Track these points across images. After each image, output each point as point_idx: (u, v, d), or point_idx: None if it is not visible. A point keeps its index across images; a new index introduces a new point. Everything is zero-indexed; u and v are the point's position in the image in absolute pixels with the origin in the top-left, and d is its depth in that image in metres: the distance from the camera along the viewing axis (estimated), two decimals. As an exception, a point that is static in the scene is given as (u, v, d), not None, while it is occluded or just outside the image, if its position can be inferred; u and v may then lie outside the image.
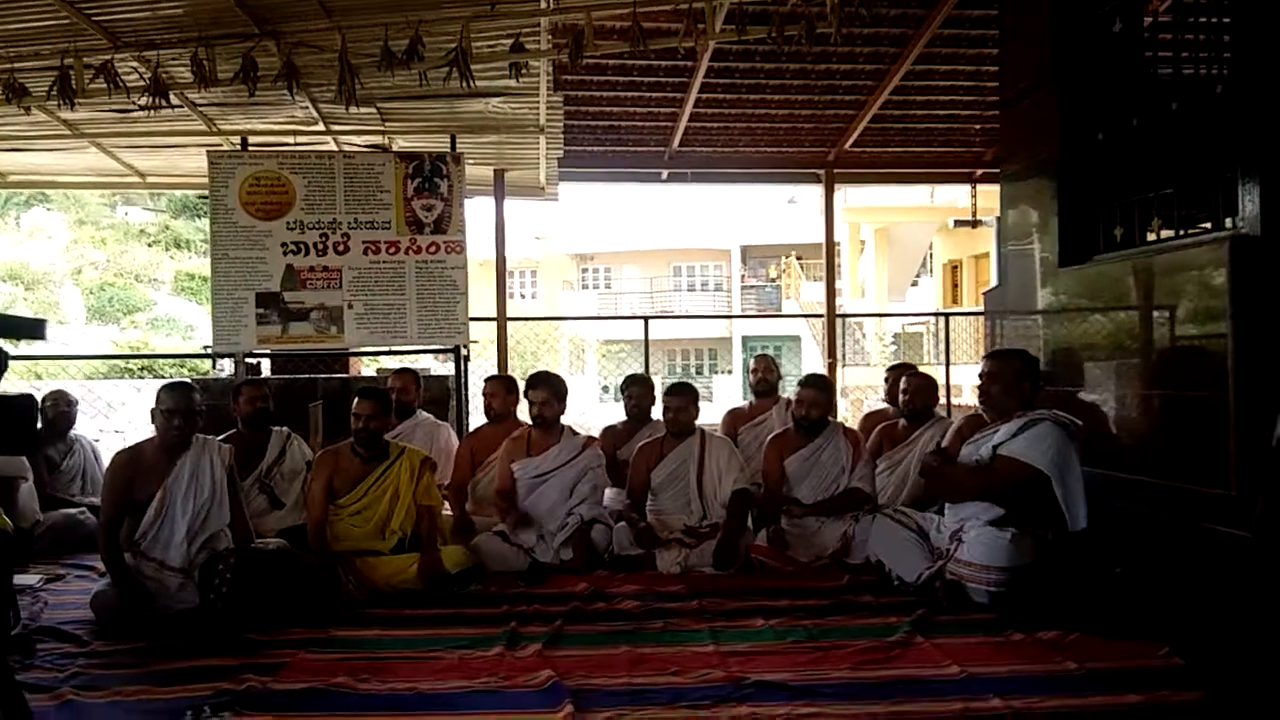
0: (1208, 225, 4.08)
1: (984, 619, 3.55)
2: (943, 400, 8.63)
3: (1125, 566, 3.82)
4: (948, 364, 9.10)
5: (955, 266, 21.86)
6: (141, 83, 4.79)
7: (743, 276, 28.99)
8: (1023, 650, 3.22)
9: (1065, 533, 3.75)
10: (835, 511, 4.69)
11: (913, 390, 5.12)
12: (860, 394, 14.16)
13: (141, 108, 4.94)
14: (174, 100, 5.09)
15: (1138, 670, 2.98)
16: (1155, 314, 3.99)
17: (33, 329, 2.10)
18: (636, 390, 5.55)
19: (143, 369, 15.80)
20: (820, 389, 4.92)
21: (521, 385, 5.14)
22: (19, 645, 3.29)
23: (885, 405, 5.84)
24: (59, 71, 4.62)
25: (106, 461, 4.89)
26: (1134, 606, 3.55)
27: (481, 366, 9.37)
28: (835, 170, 8.24)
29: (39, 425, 4.39)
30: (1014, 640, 3.31)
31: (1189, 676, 2.92)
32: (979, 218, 9.36)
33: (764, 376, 5.99)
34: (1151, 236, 4.18)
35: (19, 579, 4.24)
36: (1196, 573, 3.56)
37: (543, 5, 4.62)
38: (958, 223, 12.39)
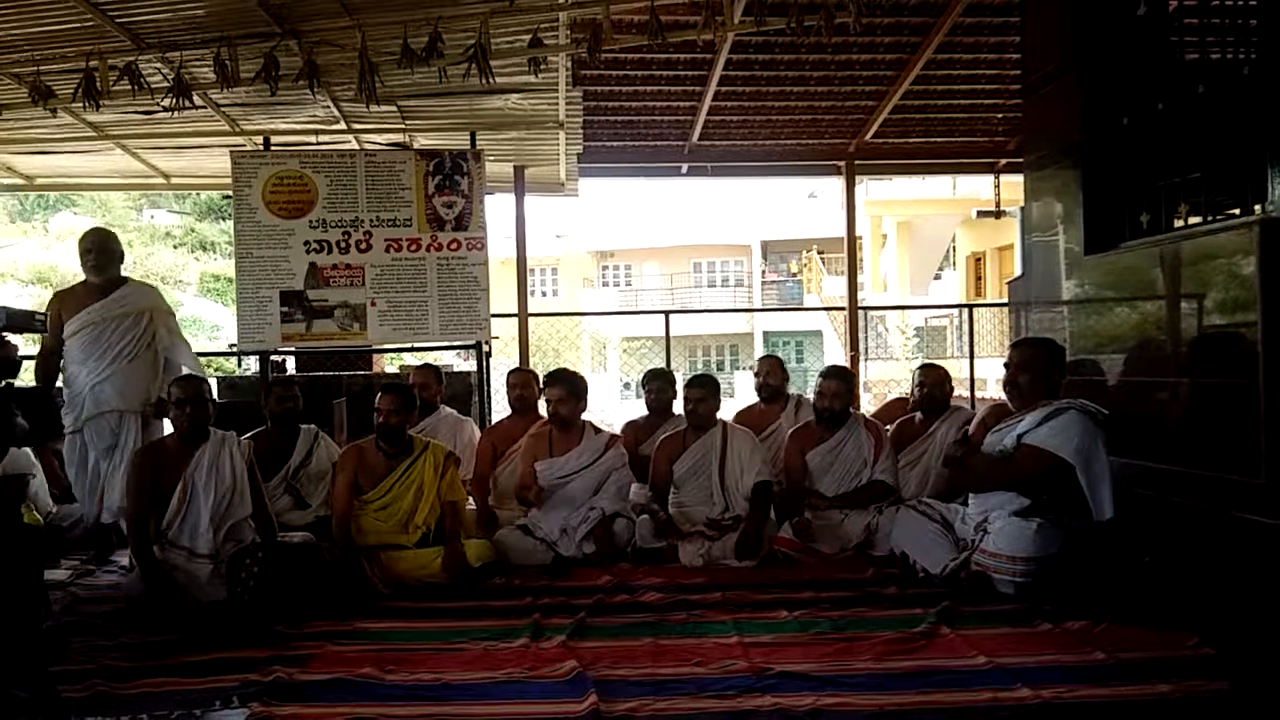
0: (1236, 211, 4.02)
1: (1010, 610, 3.52)
2: (966, 393, 8.58)
3: (1154, 556, 3.78)
4: (971, 357, 9.03)
5: (978, 259, 21.69)
6: (165, 83, 4.84)
7: (763, 272, 28.90)
8: (1050, 640, 3.19)
9: (1092, 522, 3.72)
10: (858, 504, 4.66)
11: (930, 383, 5.08)
12: (883, 388, 14.08)
13: (165, 108, 4.99)
14: (197, 101, 5.14)
15: (1167, 660, 2.94)
16: (1183, 301, 3.94)
17: (29, 323, 2.14)
18: (657, 385, 5.53)
19: (169, 369, 15.96)
20: (841, 379, 4.89)
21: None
22: (50, 638, 3.33)
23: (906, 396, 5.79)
24: (84, 73, 4.68)
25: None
26: (1163, 596, 3.51)
27: (503, 363, 9.40)
28: (856, 162, 8.21)
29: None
30: (1041, 630, 3.28)
31: (1219, 666, 2.88)
32: (1002, 208, 9.27)
33: (766, 380, 5.57)
34: (1179, 223, 4.13)
35: (50, 574, 4.30)
36: (1226, 562, 3.51)
37: (561, 0, 4.63)
38: (981, 213, 12.28)
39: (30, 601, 2.71)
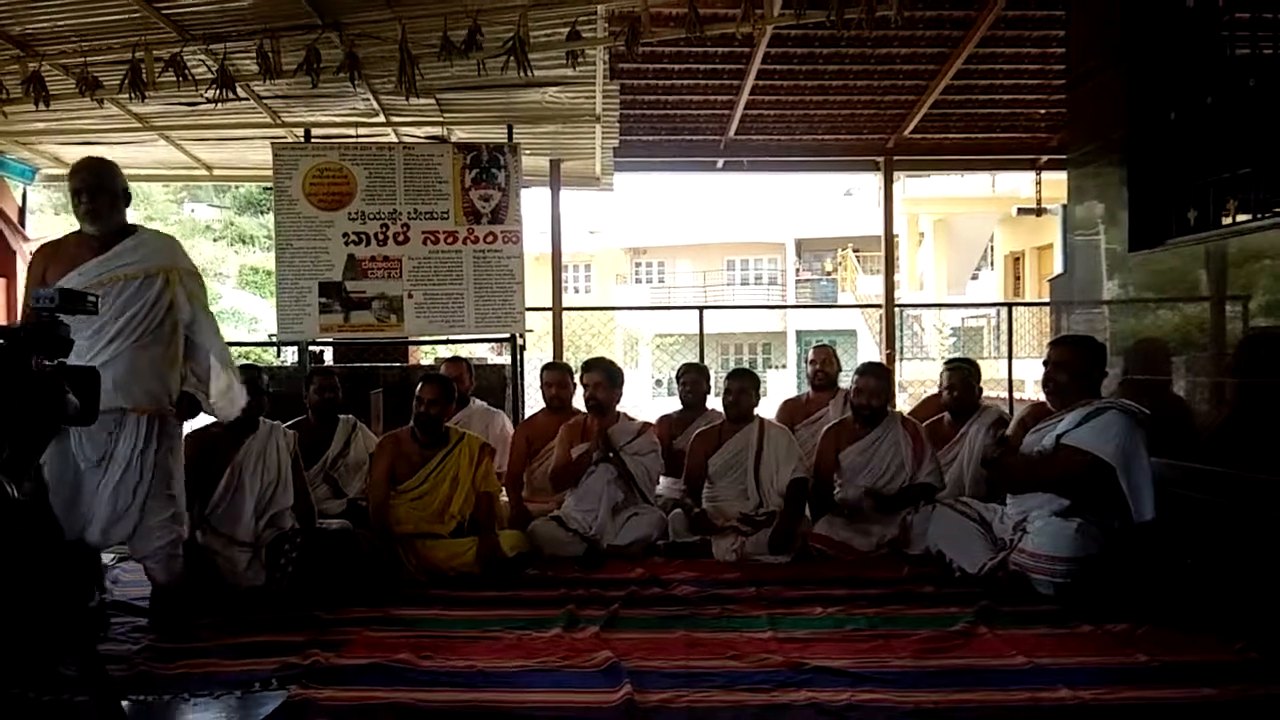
0: (1287, 208, 3.93)
1: (1050, 610, 3.47)
2: (1005, 394, 8.47)
3: (1198, 558, 3.70)
4: (1010, 357, 8.92)
5: (1017, 258, 21.41)
6: (209, 75, 4.90)
7: (797, 270, 28.73)
8: (1091, 642, 3.14)
9: (1132, 523, 3.66)
10: (904, 506, 4.58)
11: (957, 385, 5.01)
12: (919, 388, 13.94)
13: (209, 100, 5.06)
14: (240, 93, 5.19)
15: (1212, 664, 2.89)
16: (1230, 299, 3.86)
17: (81, 304, 2.16)
18: (691, 377, 5.53)
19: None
20: (879, 377, 4.84)
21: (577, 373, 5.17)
22: (95, 619, 3.39)
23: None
24: (130, 64, 4.75)
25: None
26: (1207, 600, 3.44)
27: (536, 357, 9.42)
28: (894, 158, 8.12)
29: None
30: (1081, 632, 3.23)
31: (1266, 672, 2.82)
32: (1044, 206, 9.12)
33: (823, 369, 5.83)
34: (1227, 220, 4.04)
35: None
36: (1273, 565, 3.44)
37: (600, -7, 4.63)
38: (1021, 211, 12.14)
39: (78, 581, 2.77)
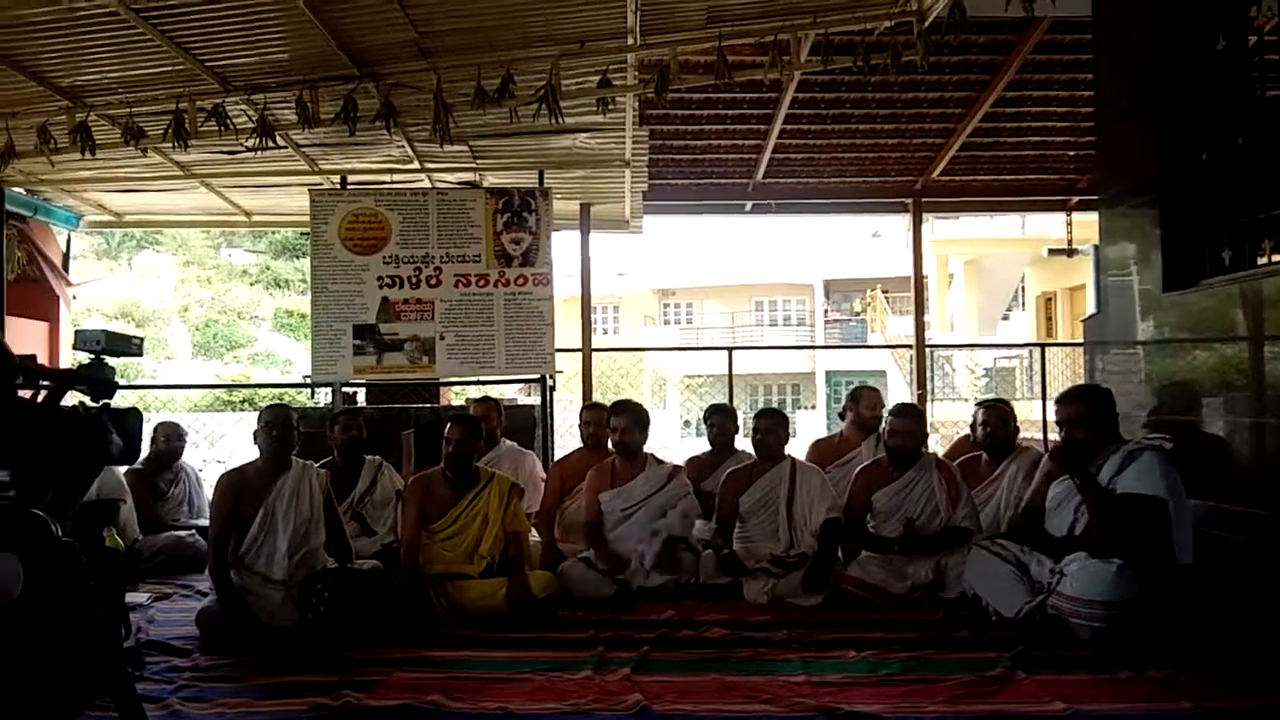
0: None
1: (1089, 656, 3.40)
2: (1038, 435, 8.36)
3: (1240, 603, 3.62)
4: (1044, 398, 8.82)
5: (1049, 299, 21.23)
6: (249, 124, 5.04)
7: (826, 311, 28.68)
8: (1132, 688, 3.07)
9: (1171, 566, 3.59)
10: (939, 549, 4.51)
11: (993, 423, 4.95)
12: (951, 429, 13.80)
13: (249, 148, 5.19)
14: (279, 141, 5.32)
15: (1258, 710, 2.83)
16: (1268, 338, 3.81)
17: (126, 346, 2.18)
18: (719, 419, 5.52)
19: (243, 401, 16.49)
20: (913, 418, 4.79)
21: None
22: (130, 658, 3.42)
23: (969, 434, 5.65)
24: (174, 114, 4.89)
25: (208, 487, 5.08)
26: (1250, 645, 3.36)
27: (564, 398, 9.47)
28: (923, 200, 8.14)
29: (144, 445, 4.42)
30: (1122, 678, 3.16)
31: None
32: (1075, 246, 9.07)
33: (875, 412, 5.51)
34: (1262, 260, 4.00)
35: (130, 596, 4.43)
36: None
37: (630, 41, 4.72)
38: (1052, 251, 12.11)
39: (113, 621, 2.80)
